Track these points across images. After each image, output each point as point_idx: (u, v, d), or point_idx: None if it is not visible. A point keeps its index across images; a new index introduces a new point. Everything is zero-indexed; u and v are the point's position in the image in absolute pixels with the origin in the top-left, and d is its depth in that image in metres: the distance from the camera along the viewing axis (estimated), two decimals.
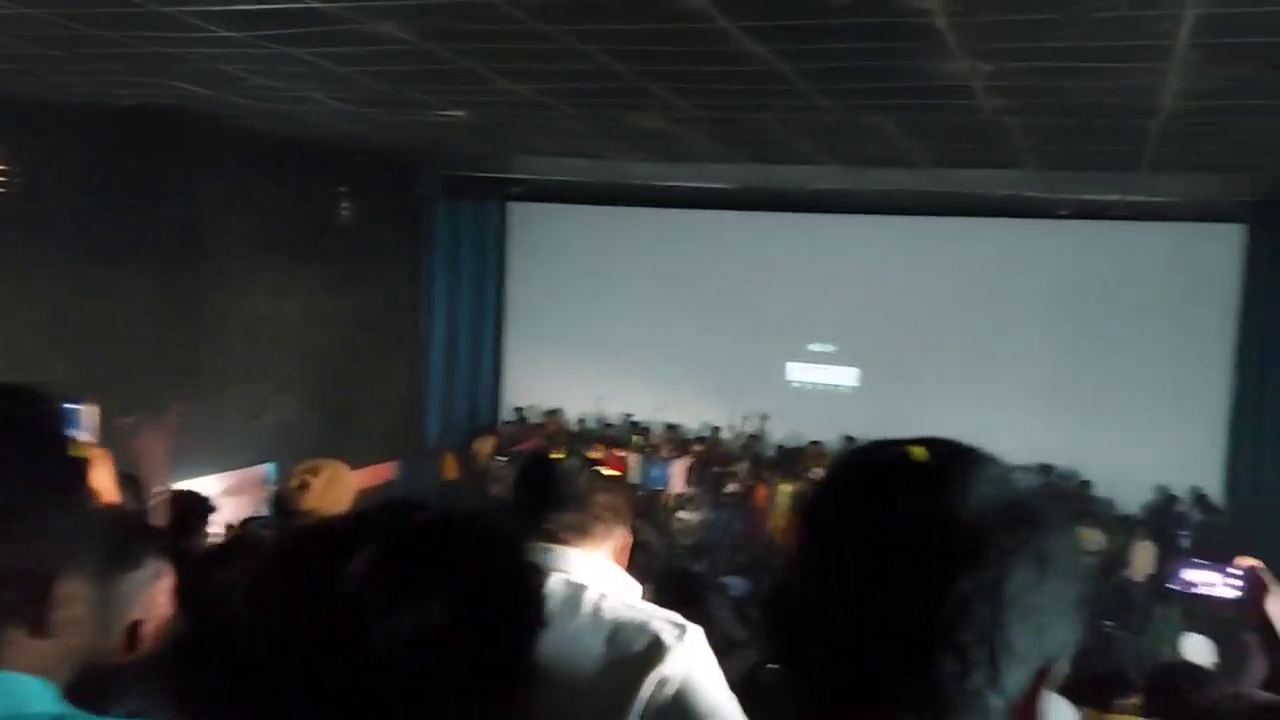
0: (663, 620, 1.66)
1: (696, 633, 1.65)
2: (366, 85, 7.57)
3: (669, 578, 2.84)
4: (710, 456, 13.11)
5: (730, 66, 6.28)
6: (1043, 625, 0.79)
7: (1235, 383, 11.61)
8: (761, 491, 12.41)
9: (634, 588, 1.86)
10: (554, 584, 1.71)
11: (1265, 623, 2.43)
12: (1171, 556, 10.91)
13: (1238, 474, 11.63)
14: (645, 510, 12.99)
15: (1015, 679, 0.78)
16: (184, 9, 5.55)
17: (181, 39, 6.25)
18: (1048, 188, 10.70)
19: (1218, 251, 11.56)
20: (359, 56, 6.59)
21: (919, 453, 0.85)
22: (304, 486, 3.14)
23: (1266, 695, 2.33)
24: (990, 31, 5.15)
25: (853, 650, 0.79)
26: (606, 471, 2.04)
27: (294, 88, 7.86)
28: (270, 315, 11.39)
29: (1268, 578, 2.47)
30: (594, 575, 1.79)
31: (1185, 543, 11.23)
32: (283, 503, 3.22)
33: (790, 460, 12.72)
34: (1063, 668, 0.81)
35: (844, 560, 0.81)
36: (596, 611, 1.68)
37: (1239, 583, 2.55)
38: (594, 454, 12.58)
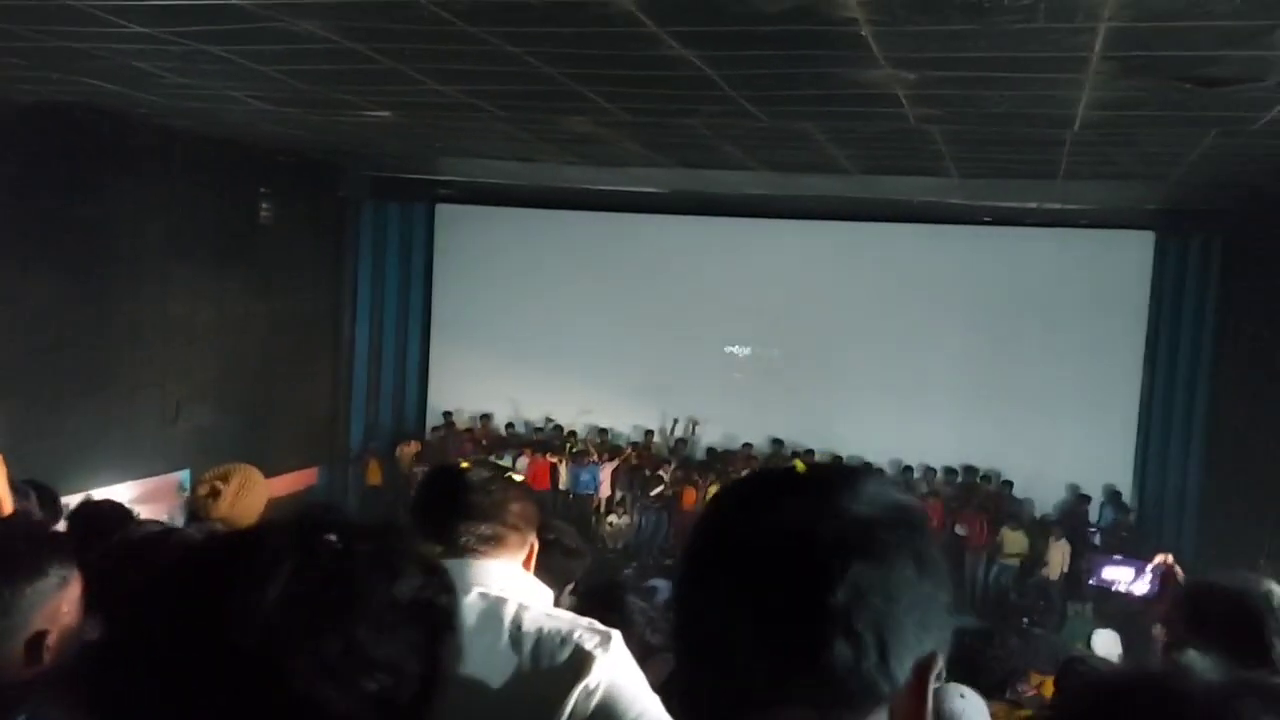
0: (585, 629, 1.66)
1: (618, 638, 1.66)
2: (288, 84, 7.41)
3: (587, 584, 2.83)
4: (641, 460, 13.12)
5: (660, 71, 6.29)
6: (924, 621, 0.84)
7: (1144, 384, 12.03)
8: (690, 494, 12.47)
9: (546, 595, 1.85)
10: (472, 599, 1.69)
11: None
12: (1083, 554, 11.29)
13: (1147, 472, 12.06)
14: (575, 515, 12.98)
15: (902, 668, 0.83)
16: (94, 3, 5.37)
17: (92, 34, 6.04)
18: (970, 195, 10.98)
19: (1130, 257, 11.99)
20: (280, 55, 6.45)
21: (801, 466, 0.92)
22: (215, 494, 3.04)
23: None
24: (913, 41, 5.24)
25: (753, 644, 0.82)
26: (516, 477, 2.02)
27: (212, 86, 7.66)
28: (186, 318, 11.09)
29: (1180, 573, 2.54)
30: (512, 586, 1.77)
31: (1096, 540, 11.61)
32: (194, 510, 3.12)
33: (720, 463, 12.82)
34: (939, 664, 0.86)
35: (742, 560, 0.85)
36: (518, 624, 1.67)
37: (1153, 578, 2.62)
38: (506, 460, 12.56)
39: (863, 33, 5.13)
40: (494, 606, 1.69)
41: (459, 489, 1.86)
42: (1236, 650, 1.82)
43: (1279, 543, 8.53)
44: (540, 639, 1.64)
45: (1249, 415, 10.23)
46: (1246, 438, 10.19)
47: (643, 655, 2.53)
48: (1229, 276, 11.30)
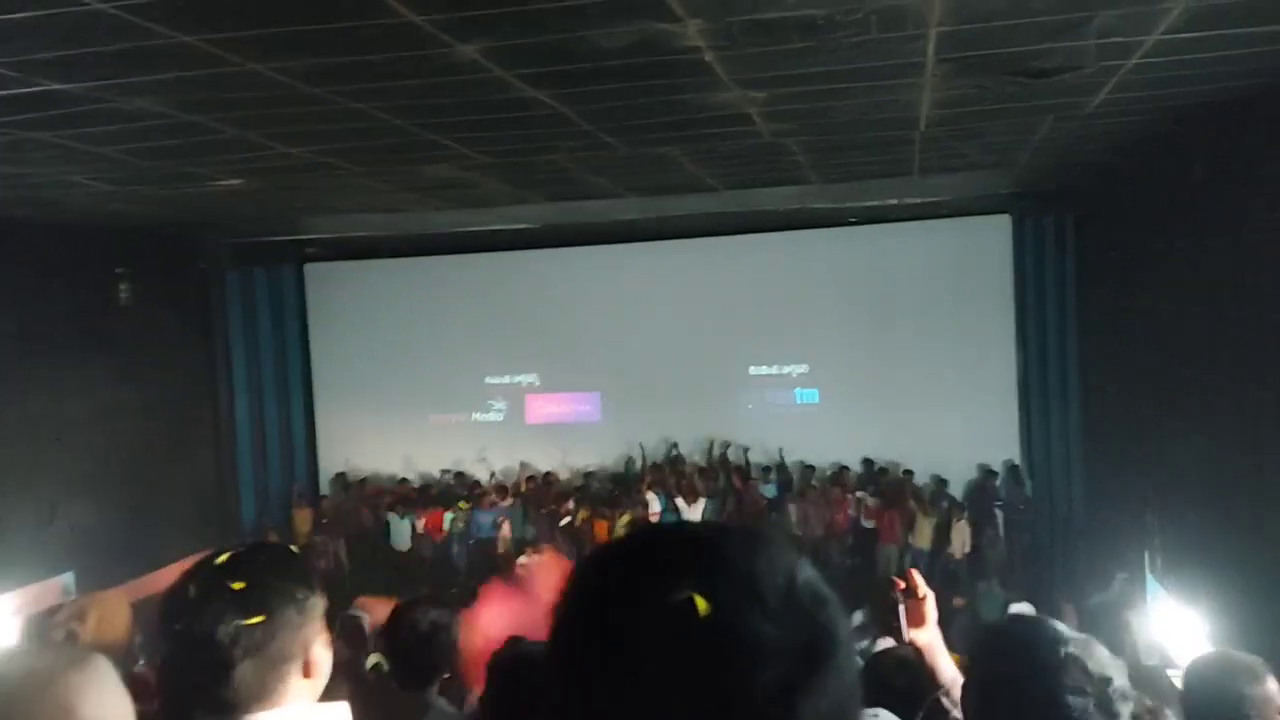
0: None
1: None
2: (129, 163, 7.11)
3: (499, 665, 2.72)
4: (548, 497, 12.96)
5: (514, 113, 6.26)
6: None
7: (1018, 359, 12.50)
8: (602, 527, 12.38)
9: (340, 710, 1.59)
10: None
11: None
12: (985, 531, 11.65)
13: (1033, 444, 12.51)
14: (479, 561, 12.74)
15: None
16: None
17: None
18: (833, 199, 11.24)
19: (990, 241, 12.48)
20: (116, 135, 6.18)
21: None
22: (72, 637, 2.86)
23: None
24: (755, 63, 5.34)
25: None
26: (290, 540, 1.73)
27: (47, 172, 7.30)
28: (50, 413, 10.55)
29: (915, 607, 2.14)
30: None
31: (1000, 514, 11.99)
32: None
33: (626, 487, 12.79)
34: None
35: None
36: None
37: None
38: (405, 517, 12.04)
39: (707, 58, 5.20)
40: None
41: (195, 645, 1.46)
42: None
43: (1161, 494, 8.94)
44: None
45: (1115, 378, 10.71)
46: (1116, 399, 10.67)
47: None
48: (1083, 250, 11.85)
